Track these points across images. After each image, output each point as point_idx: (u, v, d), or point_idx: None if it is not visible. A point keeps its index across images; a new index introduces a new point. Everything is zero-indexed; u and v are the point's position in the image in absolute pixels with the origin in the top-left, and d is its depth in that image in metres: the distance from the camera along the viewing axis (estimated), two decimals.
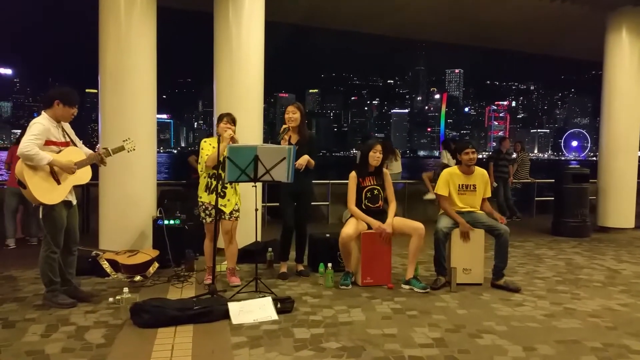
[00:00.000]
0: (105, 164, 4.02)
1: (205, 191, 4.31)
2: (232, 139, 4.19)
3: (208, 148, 4.28)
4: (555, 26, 8.98)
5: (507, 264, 4.49)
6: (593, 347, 3.09)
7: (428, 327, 3.40)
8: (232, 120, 4.34)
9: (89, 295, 3.94)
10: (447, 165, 9.65)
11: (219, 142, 4.14)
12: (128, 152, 4.17)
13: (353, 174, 4.57)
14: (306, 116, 4.73)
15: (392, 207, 4.55)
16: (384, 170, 4.63)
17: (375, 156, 4.51)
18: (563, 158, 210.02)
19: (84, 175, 3.86)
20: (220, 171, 4.18)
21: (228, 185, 4.30)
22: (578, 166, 8.15)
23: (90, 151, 3.97)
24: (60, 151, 3.71)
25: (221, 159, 4.13)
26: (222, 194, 4.26)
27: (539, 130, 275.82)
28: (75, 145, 3.87)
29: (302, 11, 8.49)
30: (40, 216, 3.69)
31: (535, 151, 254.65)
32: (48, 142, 3.63)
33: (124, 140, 4.15)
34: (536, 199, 10.10)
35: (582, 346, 3.10)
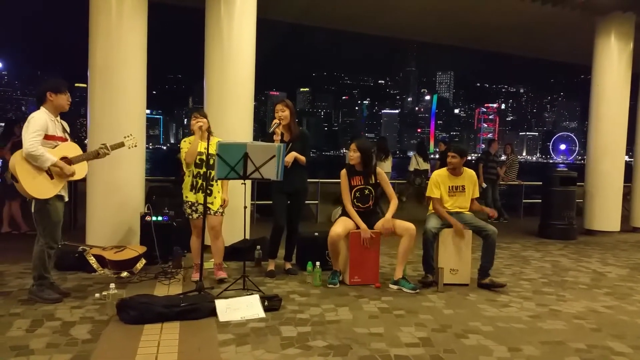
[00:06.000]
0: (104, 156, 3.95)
1: (191, 190, 4.30)
2: (204, 129, 4.16)
3: (186, 146, 4.29)
4: (546, 30, 9.08)
5: (493, 265, 4.54)
6: (577, 348, 3.13)
7: (414, 326, 3.41)
8: (203, 115, 4.35)
9: (66, 292, 3.89)
10: (418, 170, 9.81)
11: (208, 139, 4.12)
12: (129, 148, 4.13)
13: (343, 172, 4.58)
14: (296, 113, 4.72)
15: (393, 204, 4.52)
16: (378, 170, 4.63)
17: (349, 155, 4.56)
18: (551, 161, 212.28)
19: (79, 171, 3.83)
20: (204, 169, 4.19)
21: (214, 183, 4.29)
22: (566, 169, 8.26)
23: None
24: (56, 146, 3.69)
25: (199, 157, 4.13)
26: (208, 192, 4.26)
27: (527, 133, 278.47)
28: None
29: (294, 10, 8.48)
30: (33, 211, 3.66)
31: (524, 154, 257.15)
32: (47, 137, 3.62)
33: (125, 137, 4.10)
34: (524, 201, 10.20)
35: (566, 347, 3.14)
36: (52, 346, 2.91)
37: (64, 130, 3.82)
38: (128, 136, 4.13)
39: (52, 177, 3.64)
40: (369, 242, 4.38)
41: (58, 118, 3.79)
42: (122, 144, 4.06)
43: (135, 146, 4.18)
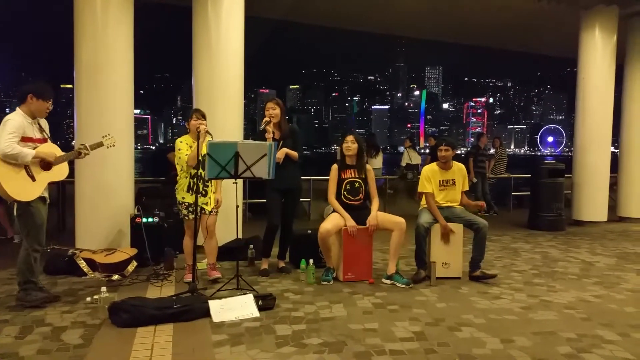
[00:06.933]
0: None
1: (188, 191, 4.27)
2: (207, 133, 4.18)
3: (186, 148, 4.25)
4: (531, 24, 9.15)
5: (484, 257, 4.58)
6: (568, 337, 3.17)
7: (408, 321, 3.43)
8: (202, 116, 4.33)
9: (56, 296, 3.85)
10: (410, 164, 10.03)
11: (198, 139, 4.09)
12: (107, 148, 4.12)
13: (334, 166, 4.60)
14: (286, 112, 4.71)
15: (375, 202, 4.57)
16: (367, 166, 4.64)
17: (346, 147, 4.55)
18: (539, 153, 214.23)
19: (60, 172, 3.78)
20: (201, 171, 4.17)
21: (209, 184, 4.28)
22: (553, 161, 8.33)
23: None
24: (35, 147, 3.63)
25: (200, 157, 4.11)
26: (203, 192, 4.24)
27: (515, 126, 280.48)
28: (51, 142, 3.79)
29: (282, 7, 8.44)
30: (15, 215, 3.60)
31: (512, 147, 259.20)
32: (24, 139, 3.56)
33: (103, 136, 4.10)
34: (513, 193, 10.29)
35: (557, 337, 3.18)
36: (43, 352, 2.88)
37: (42, 130, 3.76)
38: (106, 136, 4.12)
39: (33, 179, 3.58)
40: (358, 234, 4.38)
41: (36, 119, 3.72)
42: (101, 144, 4.04)
43: (114, 145, 4.16)
